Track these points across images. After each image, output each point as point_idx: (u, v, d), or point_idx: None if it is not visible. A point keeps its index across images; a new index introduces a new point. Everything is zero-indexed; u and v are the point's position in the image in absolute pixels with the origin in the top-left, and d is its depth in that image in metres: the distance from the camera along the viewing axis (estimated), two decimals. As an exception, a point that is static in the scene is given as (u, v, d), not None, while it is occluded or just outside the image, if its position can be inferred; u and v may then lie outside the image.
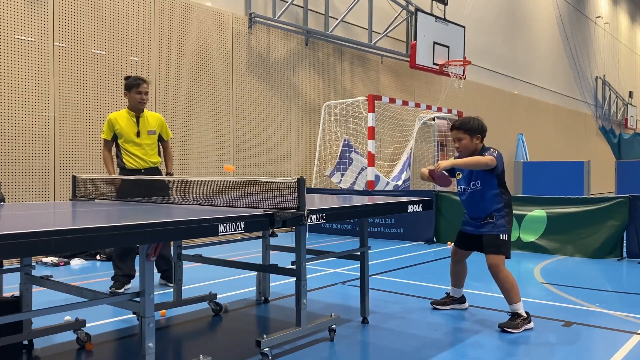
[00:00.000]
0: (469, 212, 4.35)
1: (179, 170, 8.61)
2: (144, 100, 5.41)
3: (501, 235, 4.16)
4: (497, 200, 4.20)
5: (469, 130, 4.23)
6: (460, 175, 4.34)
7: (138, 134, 5.39)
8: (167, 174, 5.70)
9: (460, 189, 4.37)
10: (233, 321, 4.35)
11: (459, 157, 4.33)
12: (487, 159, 4.04)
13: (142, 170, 5.38)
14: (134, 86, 5.37)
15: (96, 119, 7.68)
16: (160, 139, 5.60)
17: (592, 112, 25.51)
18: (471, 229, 4.33)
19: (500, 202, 4.21)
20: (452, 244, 4.70)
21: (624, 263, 7.04)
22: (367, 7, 12.01)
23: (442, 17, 13.04)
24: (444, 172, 4.22)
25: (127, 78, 5.50)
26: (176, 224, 2.58)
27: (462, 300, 4.67)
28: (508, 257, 4.19)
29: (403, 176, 11.68)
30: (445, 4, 13.63)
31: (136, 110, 5.43)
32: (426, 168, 4.28)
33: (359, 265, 4.31)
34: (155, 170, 5.52)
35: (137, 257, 5.29)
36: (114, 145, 5.48)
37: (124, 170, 5.39)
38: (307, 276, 3.74)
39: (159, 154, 5.62)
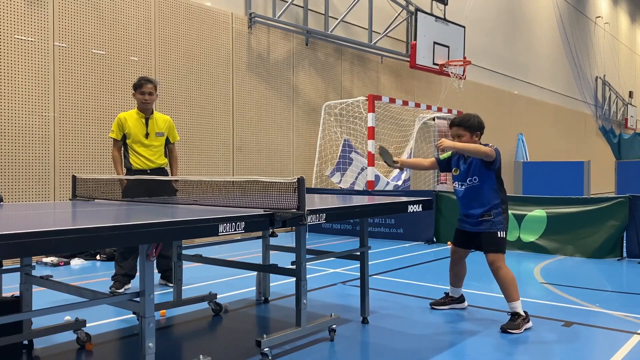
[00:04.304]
0: (465, 209, 4.33)
1: (179, 169, 8.61)
2: (147, 100, 5.39)
3: (499, 232, 4.17)
4: (495, 196, 4.21)
5: (469, 127, 4.24)
6: (458, 172, 4.34)
7: (146, 136, 5.39)
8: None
9: (456, 185, 4.36)
10: (233, 321, 4.35)
11: (456, 154, 4.37)
12: (487, 149, 4.07)
13: (148, 171, 5.38)
14: (138, 87, 5.39)
15: (96, 119, 7.68)
16: (167, 141, 5.60)
17: (592, 112, 25.51)
18: (469, 227, 4.33)
19: (498, 198, 4.22)
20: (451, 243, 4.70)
21: (624, 263, 7.04)
22: (367, 7, 12.00)
23: (442, 17, 13.04)
24: None
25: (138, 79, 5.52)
26: (176, 224, 2.58)
27: (461, 299, 4.67)
28: (504, 252, 4.21)
29: (403, 176, 11.68)
30: (445, 4, 13.63)
31: (144, 110, 5.43)
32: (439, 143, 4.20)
33: (359, 265, 4.31)
34: (161, 171, 5.52)
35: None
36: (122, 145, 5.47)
37: (130, 171, 5.39)
38: (307, 276, 3.74)
39: (166, 156, 5.62)
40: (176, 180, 5.29)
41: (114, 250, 6.17)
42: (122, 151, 5.47)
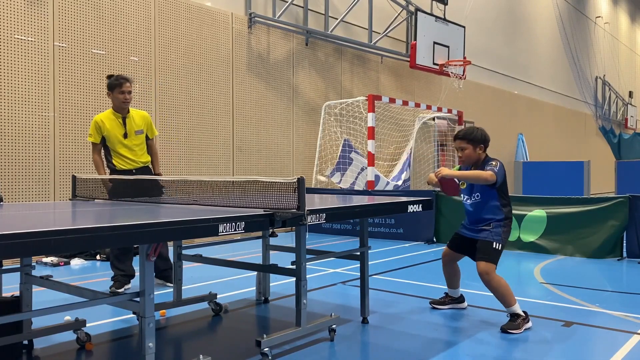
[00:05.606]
0: (470, 222, 4.35)
1: (179, 170, 8.62)
2: (128, 100, 5.26)
3: (494, 243, 4.14)
4: (497, 212, 4.20)
5: (472, 140, 4.23)
6: (465, 185, 4.35)
7: (125, 135, 5.28)
8: (156, 174, 5.53)
9: (464, 199, 4.37)
10: (233, 321, 4.35)
11: (462, 168, 4.36)
12: (487, 174, 4.03)
13: (133, 171, 5.29)
14: (116, 86, 5.21)
15: (96, 119, 7.67)
16: (146, 137, 5.47)
17: (592, 112, 25.51)
18: (467, 232, 4.34)
19: (501, 214, 4.20)
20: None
21: (624, 263, 7.04)
22: (367, 7, 12.00)
23: (442, 17, 13.04)
24: (455, 180, 4.26)
25: (109, 77, 5.33)
26: (176, 224, 2.58)
27: (460, 299, 4.67)
28: (495, 264, 4.14)
29: (403, 176, 11.68)
30: (445, 4, 13.63)
31: (121, 110, 5.30)
32: (433, 173, 4.29)
33: (359, 265, 4.31)
34: (146, 170, 5.43)
35: (135, 257, 5.31)
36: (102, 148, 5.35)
37: (114, 172, 5.28)
38: (307, 276, 3.74)
39: (148, 152, 5.53)
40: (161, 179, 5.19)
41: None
42: (102, 154, 5.35)
